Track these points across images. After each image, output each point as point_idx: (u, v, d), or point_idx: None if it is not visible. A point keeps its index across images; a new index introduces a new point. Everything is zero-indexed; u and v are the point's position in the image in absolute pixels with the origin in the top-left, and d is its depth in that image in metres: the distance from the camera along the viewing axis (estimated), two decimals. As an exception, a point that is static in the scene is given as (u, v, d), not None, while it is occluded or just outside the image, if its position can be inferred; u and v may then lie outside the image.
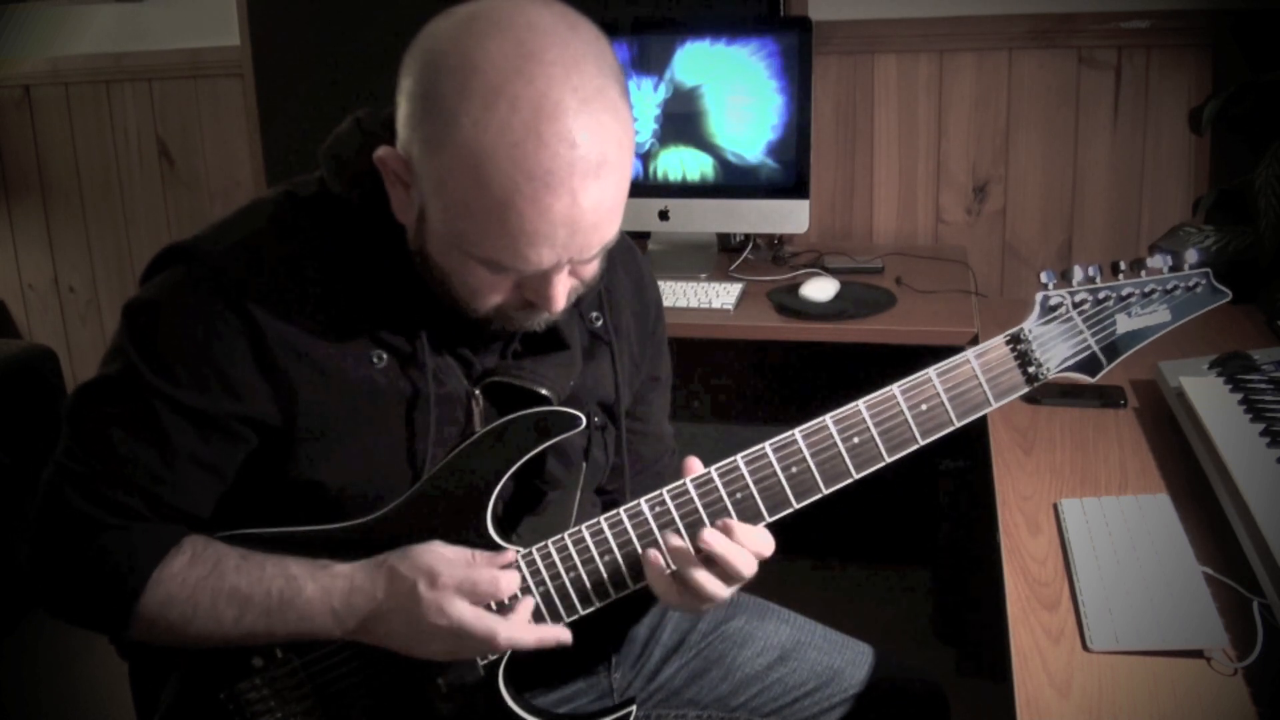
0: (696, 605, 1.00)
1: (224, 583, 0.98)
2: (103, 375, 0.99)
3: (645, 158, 2.26)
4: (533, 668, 1.09)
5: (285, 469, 0.99)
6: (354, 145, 0.99)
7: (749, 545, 0.98)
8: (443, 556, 0.97)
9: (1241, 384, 1.35)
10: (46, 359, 2.66)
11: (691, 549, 0.98)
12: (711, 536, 0.96)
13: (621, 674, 1.25)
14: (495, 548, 1.00)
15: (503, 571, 0.98)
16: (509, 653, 1.04)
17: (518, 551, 1.01)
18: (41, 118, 2.92)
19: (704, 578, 0.97)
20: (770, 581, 1.26)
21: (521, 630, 0.98)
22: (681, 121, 2.23)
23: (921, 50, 2.36)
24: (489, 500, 1.00)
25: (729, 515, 1.00)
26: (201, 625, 0.99)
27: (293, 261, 0.98)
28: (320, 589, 0.98)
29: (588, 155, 0.84)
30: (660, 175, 2.26)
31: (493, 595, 0.97)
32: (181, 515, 1.01)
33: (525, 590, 1.01)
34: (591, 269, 0.96)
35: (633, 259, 1.19)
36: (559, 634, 1.00)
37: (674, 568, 0.99)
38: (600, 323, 1.11)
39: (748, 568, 0.98)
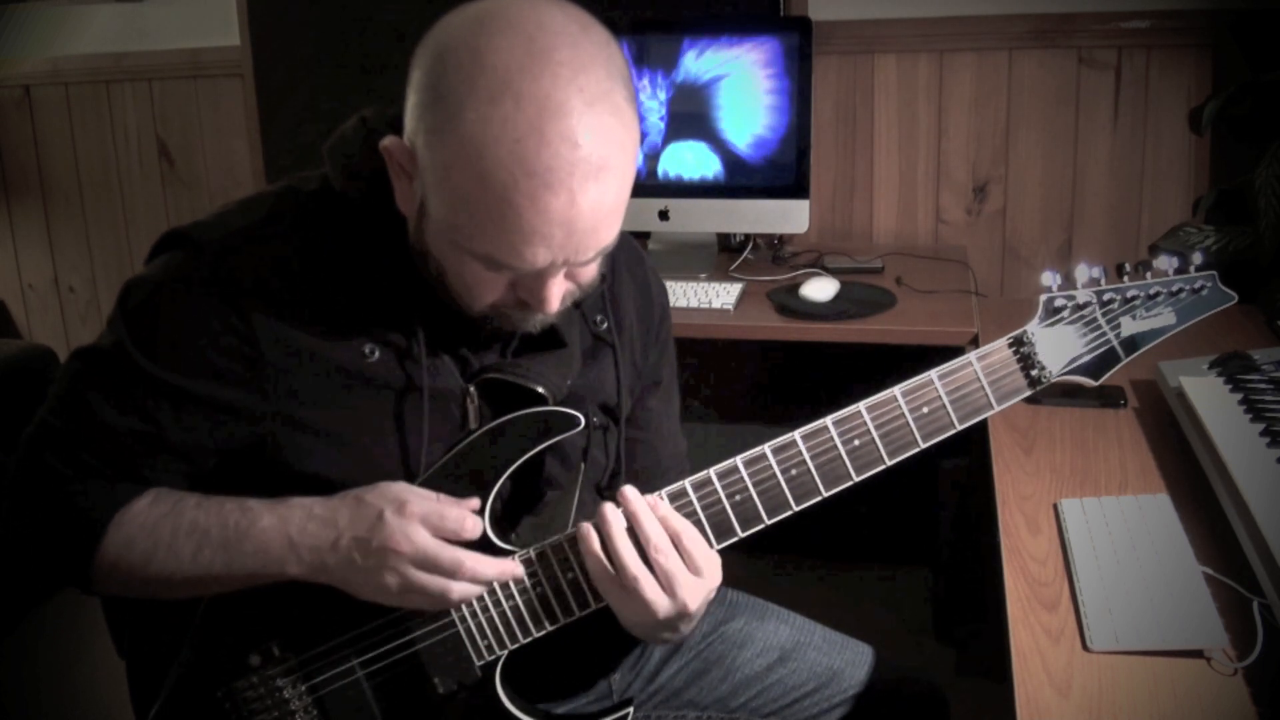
0: (630, 600, 0.97)
1: (183, 519, 0.99)
2: (96, 345, 1.01)
3: (647, 157, 2.26)
4: (531, 668, 1.09)
5: (275, 462, 1.00)
6: (358, 143, 0.99)
7: (693, 552, 0.96)
8: (410, 488, 0.97)
9: (1241, 384, 1.35)
10: (46, 359, 2.66)
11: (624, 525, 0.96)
12: (630, 493, 0.96)
13: (621, 675, 1.25)
14: (493, 547, 1.00)
15: (470, 514, 0.98)
16: (506, 652, 1.04)
17: (516, 553, 1.01)
18: (41, 118, 2.92)
19: (629, 555, 0.95)
20: (771, 582, 1.26)
21: (486, 565, 0.97)
22: (681, 121, 2.23)
23: (921, 50, 2.36)
24: (487, 499, 1.00)
25: (728, 517, 1.00)
26: (161, 563, 0.99)
27: (289, 254, 0.98)
28: (277, 518, 0.98)
29: (589, 157, 0.84)
30: (660, 174, 2.26)
31: (458, 533, 0.96)
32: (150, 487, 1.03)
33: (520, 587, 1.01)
34: (589, 273, 0.96)
35: (639, 262, 1.19)
36: (515, 568, 1.00)
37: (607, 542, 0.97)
38: (604, 325, 1.11)
39: (656, 536, 0.95)
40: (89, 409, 0.99)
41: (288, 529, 0.97)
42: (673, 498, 1.00)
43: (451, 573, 0.96)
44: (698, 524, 0.99)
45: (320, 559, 0.97)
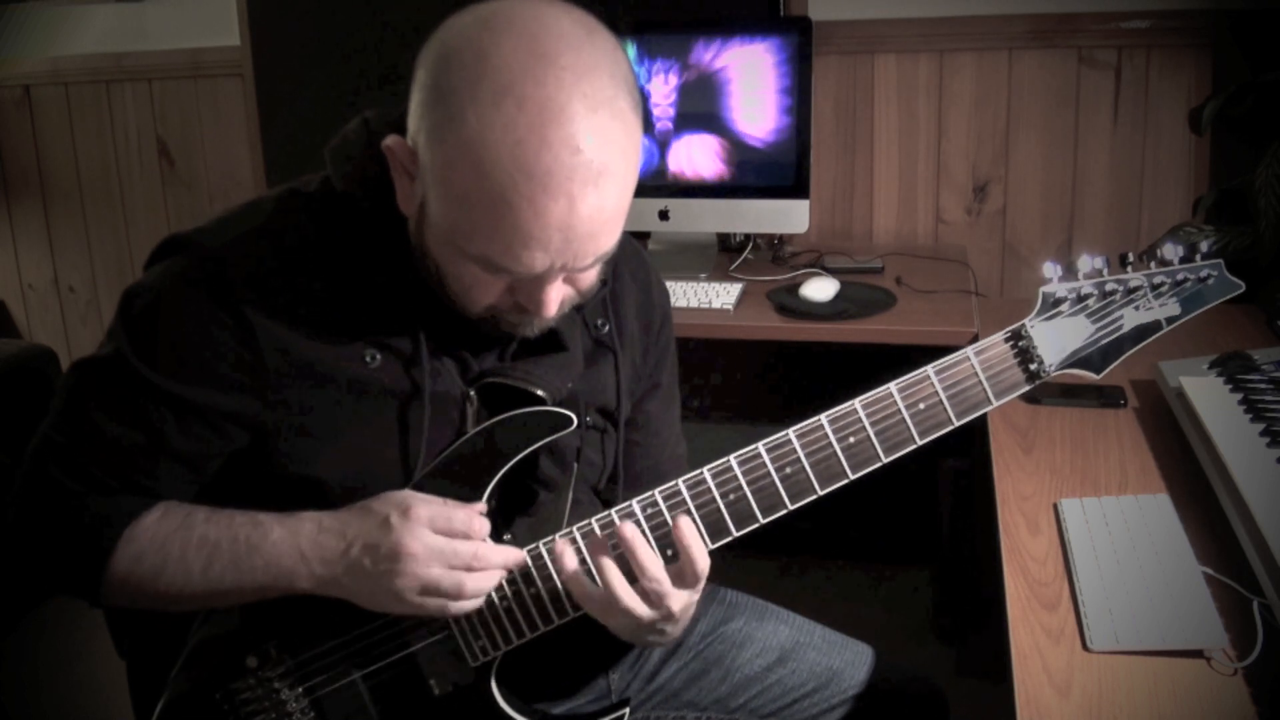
0: (613, 612, 0.98)
1: (193, 534, 0.99)
2: (96, 355, 1.00)
3: (659, 144, 2.26)
4: (527, 668, 1.08)
5: (276, 466, 0.99)
6: (360, 144, 0.99)
7: (692, 551, 0.95)
8: (415, 494, 0.97)
9: (1241, 384, 1.34)
10: (46, 359, 2.66)
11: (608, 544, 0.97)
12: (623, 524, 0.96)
13: (619, 675, 1.24)
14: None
15: (477, 514, 0.98)
16: (501, 653, 1.03)
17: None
18: (41, 118, 2.92)
19: (611, 572, 0.95)
20: (770, 582, 1.26)
21: (494, 551, 0.98)
22: (680, 122, 2.23)
23: (921, 50, 2.36)
24: (482, 499, 1.00)
25: (722, 516, 0.99)
26: (170, 578, 0.99)
27: (291, 258, 0.98)
28: (288, 531, 0.98)
29: (590, 162, 0.83)
30: (660, 173, 2.26)
31: (466, 532, 0.96)
32: (157, 498, 1.02)
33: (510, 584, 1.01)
34: (588, 279, 0.96)
35: (641, 265, 1.18)
36: (520, 554, 1.00)
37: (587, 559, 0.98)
38: (605, 329, 1.11)
39: (652, 567, 0.95)
40: (92, 421, 0.99)
41: (299, 542, 0.97)
42: (666, 497, 0.99)
43: (467, 564, 0.96)
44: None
45: (331, 571, 0.97)
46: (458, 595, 0.97)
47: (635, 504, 1.00)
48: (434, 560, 0.95)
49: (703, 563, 0.97)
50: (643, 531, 0.98)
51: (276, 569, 0.98)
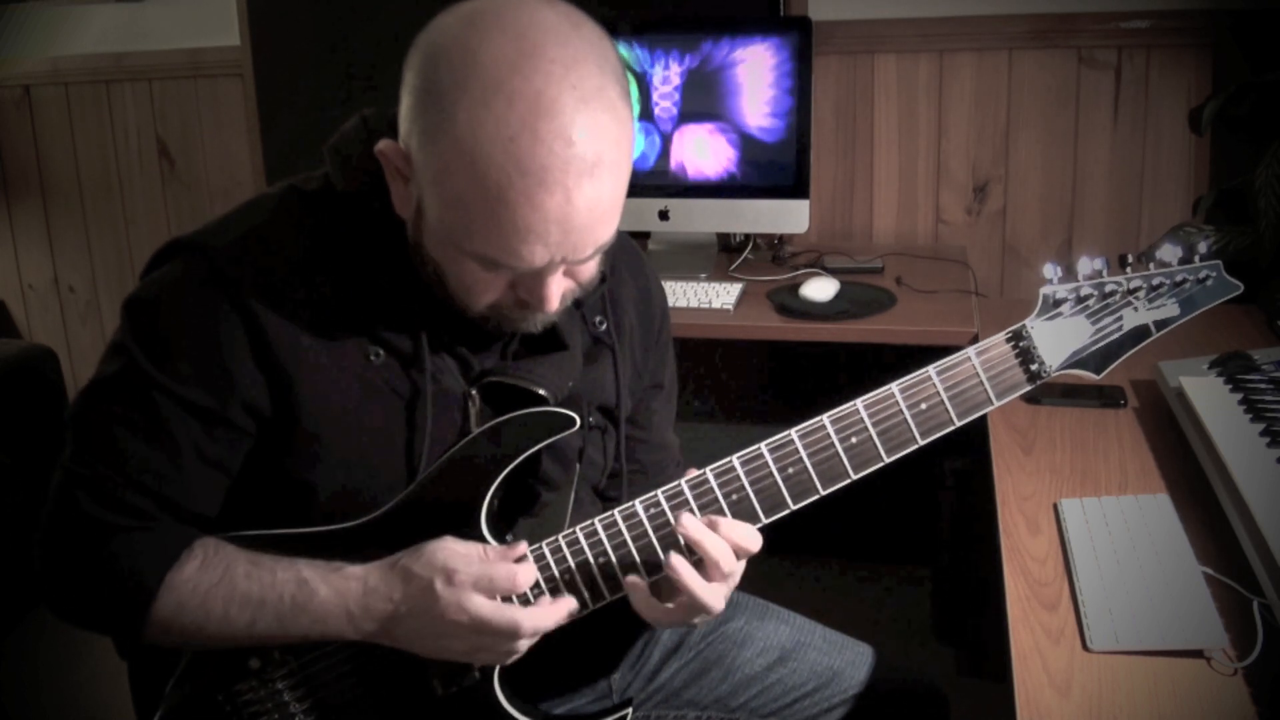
0: (678, 614, 0.99)
1: (235, 589, 0.98)
2: (105, 375, 0.98)
3: (653, 153, 2.26)
4: (530, 668, 1.08)
5: (282, 465, 0.99)
6: (359, 142, 0.99)
7: (732, 537, 0.97)
8: (457, 553, 0.96)
9: (1241, 384, 1.35)
10: (46, 359, 2.66)
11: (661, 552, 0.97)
12: (689, 521, 0.96)
13: (621, 674, 1.25)
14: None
15: (519, 565, 0.97)
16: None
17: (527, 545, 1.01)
18: (41, 118, 2.92)
19: (684, 570, 0.96)
20: (770, 581, 1.26)
21: (543, 616, 0.98)
22: (681, 121, 2.23)
23: (921, 50, 2.36)
24: (484, 500, 1.00)
25: (725, 516, 0.99)
26: (215, 631, 0.99)
27: (294, 257, 0.98)
28: (334, 592, 0.97)
29: (584, 154, 0.84)
30: (660, 173, 2.26)
31: (510, 589, 0.96)
32: (191, 514, 1.00)
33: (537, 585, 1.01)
34: (588, 271, 0.96)
35: (639, 265, 1.19)
36: (571, 604, 1.00)
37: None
38: (604, 326, 1.11)
39: (725, 559, 0.96)
40: (115, 443, 0.96)
41: (346, 603, 0.97)
42: (670, 497, 0.99)
43: (511, 636, 0.96)
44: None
45: (381, 628, 0.98)
46: (513, 653, 0.98)
47: (638, 504, 1.00)
48: (484, 629, 0.95)
49: (716, 551, 0.96)
50: (650, 531, 0.99)
51: (323, 627, 0.98)
